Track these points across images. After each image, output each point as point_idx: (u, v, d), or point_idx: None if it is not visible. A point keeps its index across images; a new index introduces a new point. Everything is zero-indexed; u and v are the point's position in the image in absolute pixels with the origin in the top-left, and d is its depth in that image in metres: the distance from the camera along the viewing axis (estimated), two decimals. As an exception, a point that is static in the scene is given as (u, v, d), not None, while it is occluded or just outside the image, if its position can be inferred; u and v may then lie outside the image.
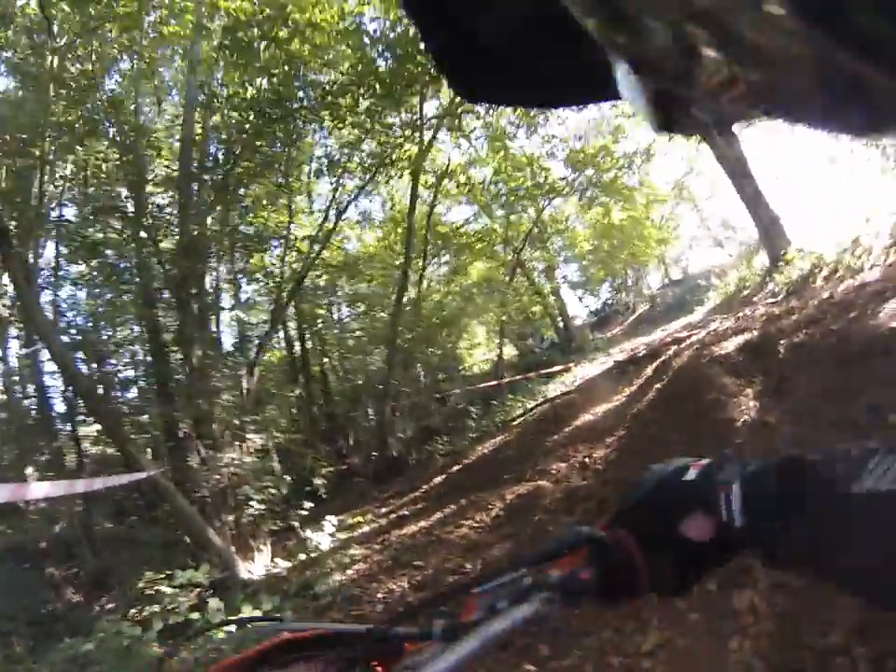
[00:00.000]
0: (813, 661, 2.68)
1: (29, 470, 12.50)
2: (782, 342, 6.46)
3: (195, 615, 6.19)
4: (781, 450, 4.43)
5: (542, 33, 0.42)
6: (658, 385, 8.47)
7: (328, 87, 9.95)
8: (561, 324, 23.56)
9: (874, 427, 3.92)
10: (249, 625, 1.09)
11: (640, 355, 11.74)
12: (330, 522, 8.84)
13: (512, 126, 14.16)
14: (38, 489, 5.17)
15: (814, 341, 5.98)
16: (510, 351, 23.26)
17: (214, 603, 6.28)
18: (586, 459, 7.41)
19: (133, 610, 6.91)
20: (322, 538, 8.50)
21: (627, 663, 3.48)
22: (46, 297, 11.92)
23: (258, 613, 6.06)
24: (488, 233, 16.81)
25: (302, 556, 8.17)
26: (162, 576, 7.15)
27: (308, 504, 9.69)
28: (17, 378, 14.52)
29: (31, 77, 8.80)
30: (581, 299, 32.39)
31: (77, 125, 8.71)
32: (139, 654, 5.57)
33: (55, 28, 8.75)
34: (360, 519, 9.27)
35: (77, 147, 9.05)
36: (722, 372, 6.90)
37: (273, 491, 9.07)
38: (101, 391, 10.09)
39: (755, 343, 7.15)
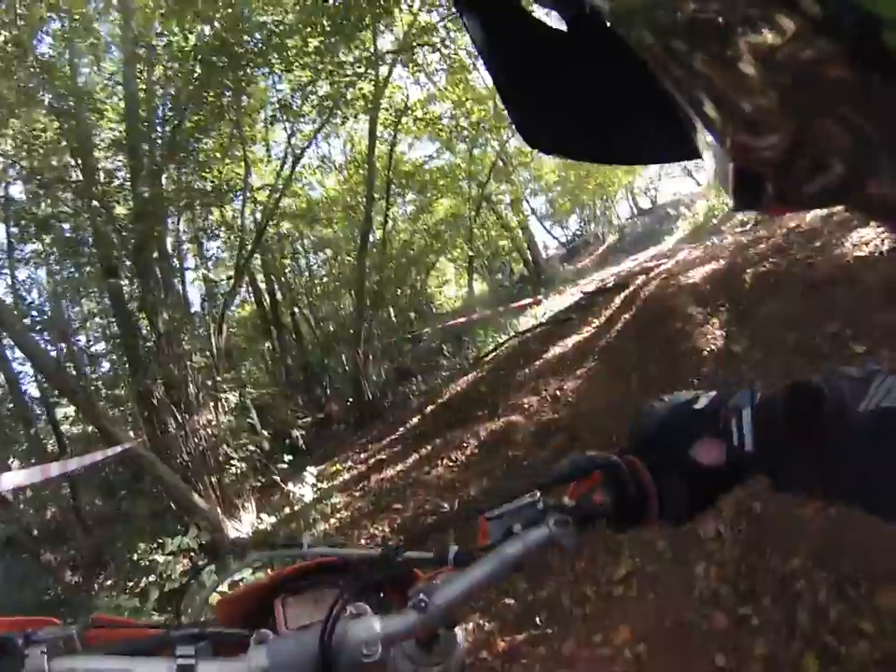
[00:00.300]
0: (775, 585, 2.79)
1: (11, 461, 12.50)
2: (748, 271, 6.53)
3: (188, 580, 6.28)
4: (747, 378, 4.51)
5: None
6: (626, 316, 8.56)
7: (274, 28, 9.52)
8: (530, 257, 23.43)
9: (837, 355, 4.00)
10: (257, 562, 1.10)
11: (609, 286, 11.76)
12: (311, 473, 8.90)
13: (471, 58, 13.72)
14: (11, 478, 5.08)
15: (779, 270, 6.05)
16: (480, 287, 23.25)
17: (205, 567, 6.35)
18: (557, 392, 7.50)
19: (130, 583, 7.03)
20: (304, 489, 8.57)
21: (601, 591, 3.62)
22: (3, 280, 11.76)
23: (248, 571, 6.15)
24: (452, 169, 16.51)
25: (287, 510, 8.27)
26: (155, 545, 7.23)
27: (288, 457, 9.76)
28: None
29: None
30: (549, 231, 31.96)
31: (8, 97, 8.24)
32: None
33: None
34: (339, 467, 9.34)
35: (12, 120, 8.62)
36: (690, 302, 6.98)
37: (252, 448, 9.10)
38: (72, 370, 9.94)
39: (722, 273, 7.22)
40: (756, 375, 4.49)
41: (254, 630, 0.74)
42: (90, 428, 11.30)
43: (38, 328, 10.47)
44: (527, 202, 25.49)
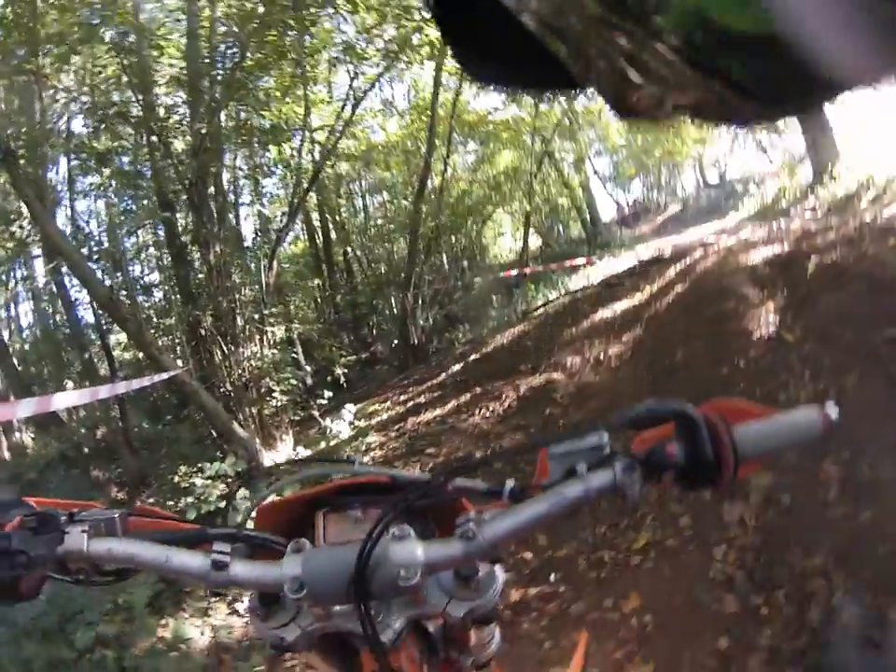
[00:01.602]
0: (792, 580, 2.77)
1: (66, 383, 13.02)
2: (813, 259, 6.30)
3: (224, 504, 6.48)
4: (795, 370, 4.40)
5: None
6: (679, 289, 8.41)
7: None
8: (588, 218, 23.06)
9: (891, 360, 3.87)
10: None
11: (666, 256, 11.55)
12: (349, 410, 9.04)
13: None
14: (64, 398, 5.29)
15: (846, 263, 5.83)
16: (535, 242, 22.95)
17: (241, 493, 6.57)
18: (600, 355, 7.45)
19: (171, 503, 7.22)
20: (342, 426, 8.71)
21: (618, 558, 3.65)
22: (64, 211, 12.01)
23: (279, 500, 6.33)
24: (516, 122, 15.99)
25: (323, 445, 8.43)
26: (195, 469, 7.43)
27: (328, 393, 9.89)
28: (45, 295, 14.98)
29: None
30: (610, 194, 30.82)
31: (72, 33, 8.20)
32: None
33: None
34: (378, 407, 9.45)
35: (74, 57, 8.63)
36: (746, 282, 6.81)
37: (294, 382, 9.24)
38: (125, 299, 10.18)
39: (784, 258, 7.02)
40: (804, 368, 4.38)
41: (292, 540, 0.76)
42: (140, 355, 11.70)
43: (95, 257, 10.63)
44: (591, 162, 24.95)
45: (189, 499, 6.78)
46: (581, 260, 14.42)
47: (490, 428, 6.87)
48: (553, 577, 3.78)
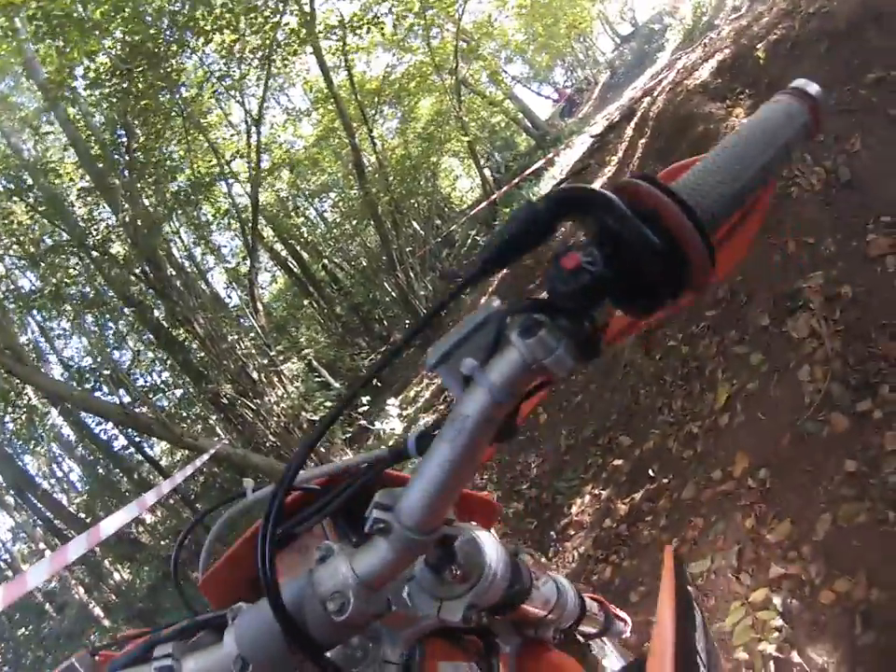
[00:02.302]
0: (890, 369, 2.53)
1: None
2: (759, 47, 5.96)
3: None
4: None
5: None
6: (643, 141, 8.13)
7: (176, 12, 9.01)
8: (529, 124, 22.64)
9: (887, 103, 3.59)
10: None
11: (616, 120, 11.23)
12: (392, 405, 8.97)
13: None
14: (110, 522, 5.16)
15: (793, 33, 5.48)
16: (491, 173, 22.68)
17: None
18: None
19: None
20: (392, 422, 8.65)
21: (706, 425, 3.43)
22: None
23: None
24: (418, 68, 15.61)
25: (383, 447, 8.35)
26: None
27: (365, 398, 9.79)
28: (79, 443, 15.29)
29: None
30: (538, 93, 30.52)
31: None
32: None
33: None
34: (418, 389, 9.35)
35: None
36: (705, 101, 6.49)
37: (329, 403, 9.15)
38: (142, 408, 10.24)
39: (731, 60, 6.65)
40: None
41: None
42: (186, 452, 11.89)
43: (94, 385, 10.71)
44: (505, 72, 24.42)
45: None
46: (540, 163, 14.10)
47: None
48: (651, 472, 3.59)
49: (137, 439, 12.33)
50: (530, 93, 29.14)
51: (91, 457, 15.57)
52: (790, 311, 3.12)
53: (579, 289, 0.47)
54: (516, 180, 14.04)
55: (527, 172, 13.82)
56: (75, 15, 8.13)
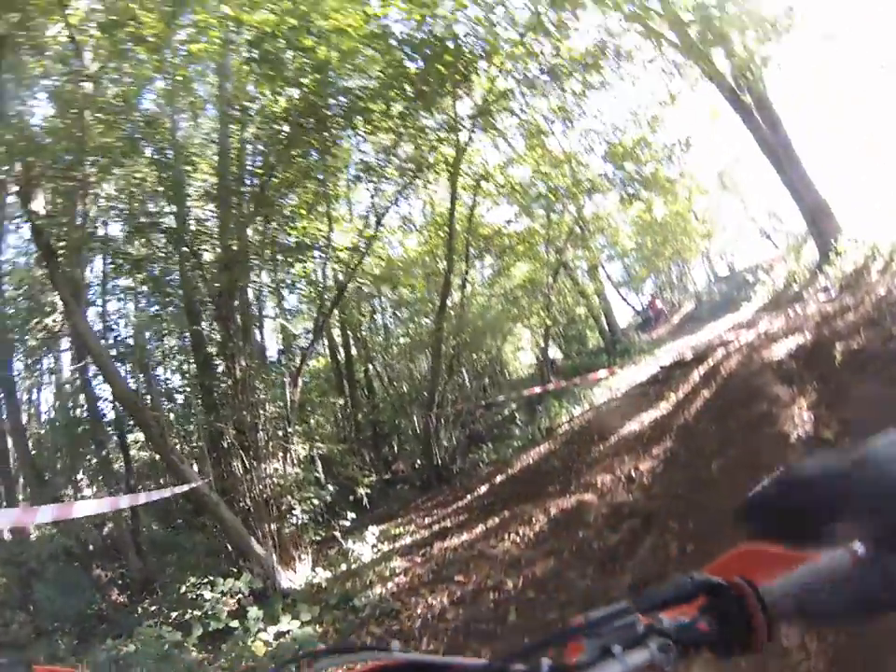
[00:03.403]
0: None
1: (79, 475, 13.09)
2: (838, 346, 6.15)
3: (234, 623, 6.30)
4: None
5: None
6: (706, 394, 8.26)
7: (359, 93, 9.89)
8: (606, 326, 23.11)
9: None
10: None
11: (687, 359, 11.45)
12: (372, 532, 8.82)
13: (548, 122, 13.81)
14: (84, 507, 5.24)
15: (873, 347, 5.67)
16: (555, 354, 22.93)
17: (253, 612, 6.39)
18: (632, 472, 7.22)
19: (174, 614, 7.12)
20: (364, 548, 8.51)
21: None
22: (95, 309, 12.40)
23: (296, 624, 6.11)
24: (530, 234, 16.32)
25: (343, 567, 8.18)
26: (205, 581, 7.35)
27: (351, 514, 9.68)
28: (69, 389, 15.18)
29: (67, 103, 8.93)
30: (625, 298, 30.86)
31: (116, 147, 8.85)
32: (178, 659, 5.72)
33: (87, 54, 8.93)
34: (402, 530, 9.20)
35: (116, 170, 9.18)
36: (774, 380, 6.63)
37: (315, 501, 9.06)
38: (148, 401, 10.26)
39: (808, 348, 6.86)
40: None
41: None
42: (157, 457, 11.81)
43: (122, 359, 10.89)
44: (603, 268, 25.20)
45: (196, 612, 6.66)
46: (603, 373, 14.30)
47: (521, 553, 6.61)
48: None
49: (126, 425, 12.28)
50: (617, 296, 29.77)
51: (72, 406, 15.24)
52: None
53: (698, 640, 0.69)
54: (576, 380, 14.25)
55: (589, 376, 14.03)
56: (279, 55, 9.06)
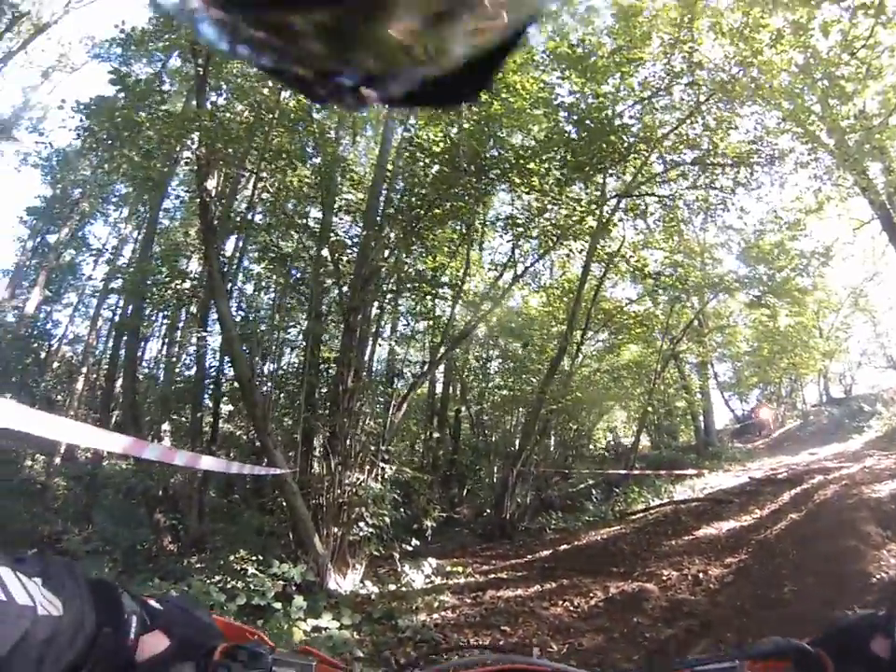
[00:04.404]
0: None
1: (165, 426, 14.21)
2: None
3: (277, 605, 6.49)
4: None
5: None
6: (794, 516, 8.09)
7: (521, 150, 10.21)
8: (702, 425, 22.60)
9: None
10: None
11: (780, 477, 11.18)
12: (430, 564, 8.98)
13: (691, 211, 13.82)
14: (209, 462, 5.80)
15: None
16: (644, 441, 22.53)
17: (298, 600, 6.56)
18: (700, 574, 7.17)
19: (217, 577, 7.31)
20: (417, 576, 8.67)
21: None
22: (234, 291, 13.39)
23: (336, 624, 6.31)
24: (649, 317, 16.05)
25: (392, 587, 8.39)
26: (254, 558, 7.70)
27: (415, 542, 9.92)
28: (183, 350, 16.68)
29: (256, 105, 9.94)
30: (727, 402, 29.67)
31: (289, 151, 9.78)
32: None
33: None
34: (458, 570, 9.31)
35: (287, 170, 9.96)
36: (869, 519, 6.50)
37: (387, 519, 9.33)
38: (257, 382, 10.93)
39: (916, 495, 6.69)
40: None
41: None
42: (237, 432, 13.21)
43: (246, 339, 11.47)
44: (712, 366, 24.68)
45: (238, 583, 6.89)
46: (690, 471, 14.10)
47: (571, 623, 6.62)
48: None
49: (223, 395, 13.26)
50: (720, 398, 28.56)
51: (179, 365, 16.49)
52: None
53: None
54: (662, 472, 14.08)
55: (675, 472, 13.86)
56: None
